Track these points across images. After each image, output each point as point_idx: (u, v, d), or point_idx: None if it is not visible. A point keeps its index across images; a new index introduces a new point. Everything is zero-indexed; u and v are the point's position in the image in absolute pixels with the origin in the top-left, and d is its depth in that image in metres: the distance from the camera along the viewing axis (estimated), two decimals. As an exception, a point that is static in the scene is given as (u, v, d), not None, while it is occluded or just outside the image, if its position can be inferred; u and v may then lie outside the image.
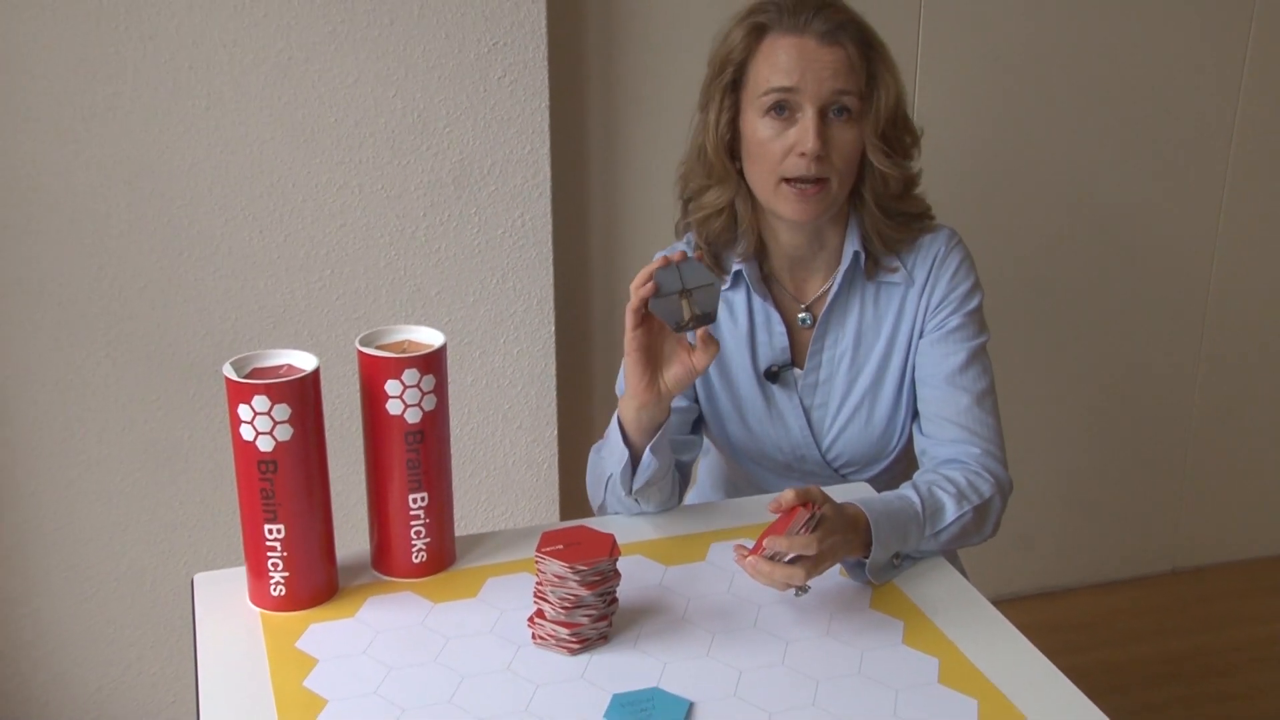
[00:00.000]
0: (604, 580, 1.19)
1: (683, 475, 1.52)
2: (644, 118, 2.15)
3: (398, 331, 1.29)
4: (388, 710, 1.11)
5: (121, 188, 1.86)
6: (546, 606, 1.19)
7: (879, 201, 1.45)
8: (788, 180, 1.40)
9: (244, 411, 1.18)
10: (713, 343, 1.30)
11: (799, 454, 1.55)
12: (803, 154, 1.37)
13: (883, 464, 1.55)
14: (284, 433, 1.19)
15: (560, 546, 1.19)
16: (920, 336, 1.49)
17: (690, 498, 1.72)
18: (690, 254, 1.28)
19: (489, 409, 2.12)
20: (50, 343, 1.90)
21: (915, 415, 1.51)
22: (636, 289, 1.27)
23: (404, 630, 1.23)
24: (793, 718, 1.10)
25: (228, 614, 1.26)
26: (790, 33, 1.38)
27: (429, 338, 1.28)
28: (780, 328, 1.51)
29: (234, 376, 1.19)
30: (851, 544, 1.26)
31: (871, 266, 1.49)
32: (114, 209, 1.87)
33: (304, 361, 1.23)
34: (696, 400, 1.55)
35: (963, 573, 1.41)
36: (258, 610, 1.26)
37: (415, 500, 1.28)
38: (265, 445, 1.19)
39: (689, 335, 1.30)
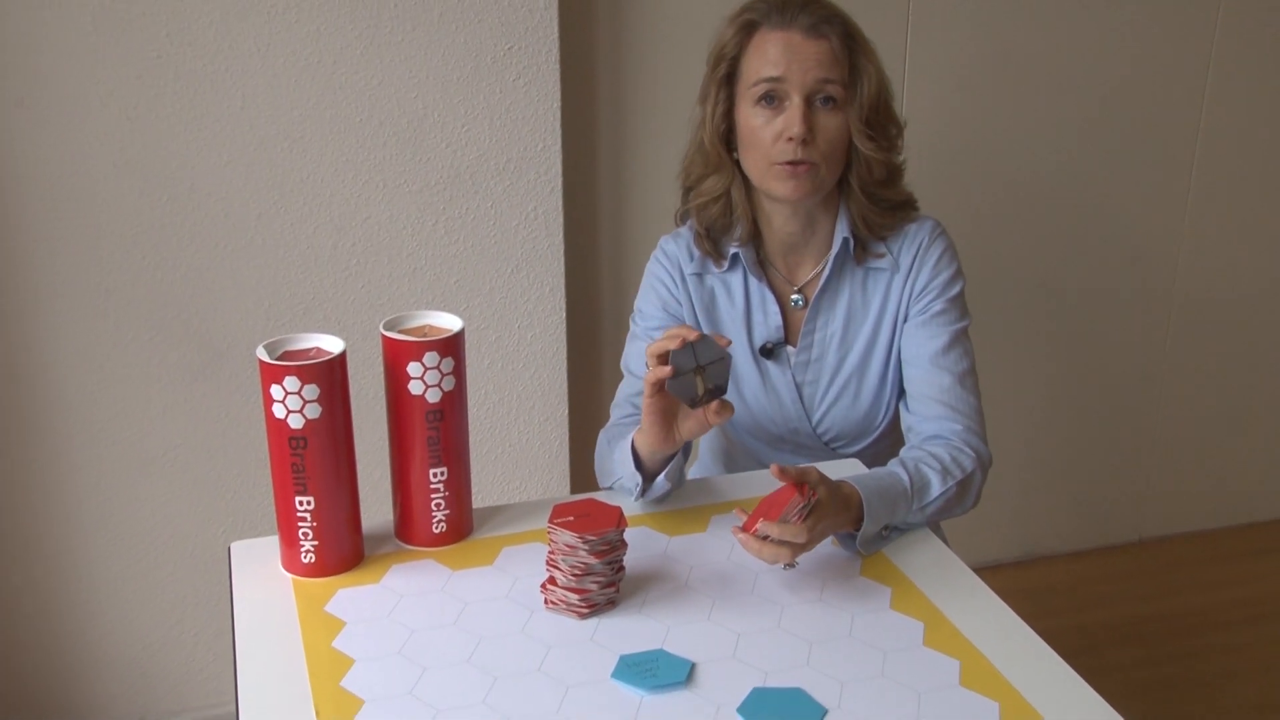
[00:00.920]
0: (612, 549, 1.18)
1: (684, 453, 1.51)
2: (649, 117, 2.14)
3: (419, 317, 1.28)
4: (411, 669, 1.10)
5: (159, 182, 1.85)
6: (558, 574, 1.19)
7: (865, 188, 1.44)
8: (778, 164, 1.39)
9: (276, 391, 1.17)
10: (727, 407, 1.26)
11: (791, 427, 1.54)
12: (790, 139, 1.37)
13: (869, 438, 1.54)
14: (313, 411, 1.18)
15: (571, 518, 1.18)
16: (905, 320, 1.48)
17: (692, 472, 1.71)
18: (697, 330, 1.23)
19: (504, 389, 2.11)
20: (101, 329, 1.89)
21: (901, 394, 1.50)
22: (653, 363, 1.24)
23: (425, 595, 1.22)
24: (788, 677, 1.10)
25: (262, 579, 1.25)
26: (778, 27, 1.38)
27: (448, 323, 1.27)
28: (774, 308, 1.50)
29: (267, 359, 1.18)
30: (843, 522, 1.25)
31: (860, 252, 1.48)
32: (155, 204, 1.86)
33: (332, 345, 1.22)
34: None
35: (945, 542, 1.40)
36: (289, 576, 1.26)
37: (435, 474, 1.27)
38: (296, 423, 1.18)
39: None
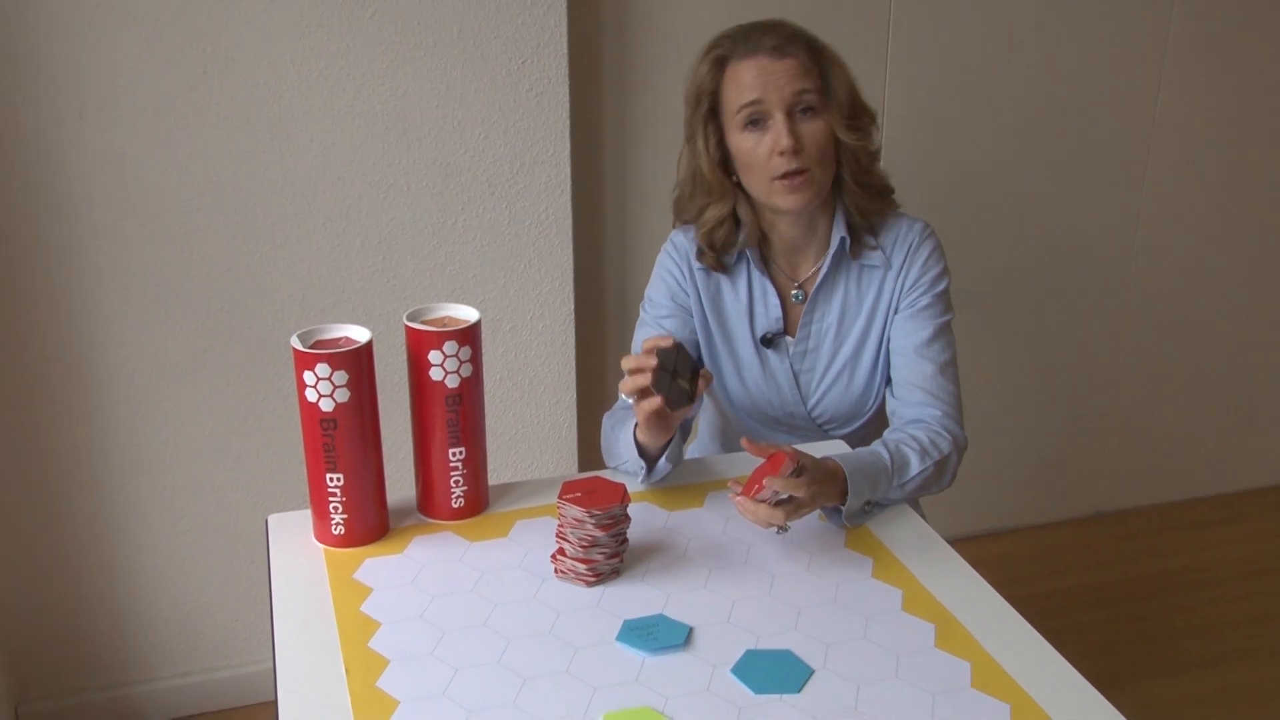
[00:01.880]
0: (616, 523, 1.18)
1: (684, 432, 1.51)
2: (652, 125, 2.13)
3: (439, 309, 1.28)
4: (431, 632, 1.10)
5: (205, 186, 1.84)
6: (567, 545, 1.18)
7: (855, 177, 1.43)
8: (777, 178, 1.38)
9: (308, 377, 1.17)
10: (707, 375, 1.24)
11: (788, 410, 1.53)
12: (782, 152, 1.36)
13: (859, 422, 1.54)
14: (342, 395, 1.17)
15: (579, 494, 1.18)
16: (895, 313, 1.47)
17: (690, 451, 1.70)
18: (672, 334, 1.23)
19: (517, 376, 2.11)
20: (148, 321, 1.89)
21: (888, 380, 1.50)
22: (633, 371, 1.22)
23: (445, 564, 1.22)
24: (777, 640, 1.09)
25: (296, 549, 1.25)
26: (746, 56, 1.37)
27: (466, 314, 1.26)
28: (775, 301, 1.49)
29: (300, 347, 1.17)
30: (830, 493, 1.24)
31: (856, 248, 1.47)
32: (200, 205, 1.85)
33: (359, 334, 1.22)
34: (699, 352, 1.53)
35: (923, 517, 1.39)
36: (321, 546, 1.25)
37: (454, 454, 1.27)
38: (326, 406, 1.17)
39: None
